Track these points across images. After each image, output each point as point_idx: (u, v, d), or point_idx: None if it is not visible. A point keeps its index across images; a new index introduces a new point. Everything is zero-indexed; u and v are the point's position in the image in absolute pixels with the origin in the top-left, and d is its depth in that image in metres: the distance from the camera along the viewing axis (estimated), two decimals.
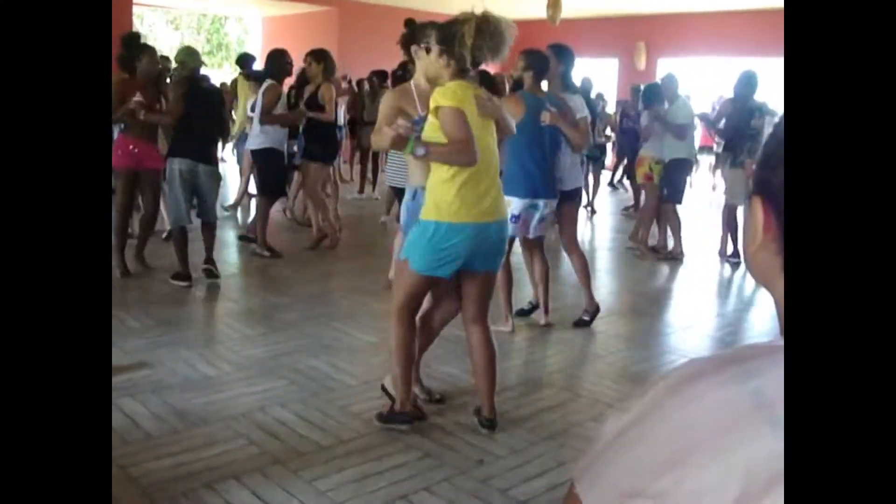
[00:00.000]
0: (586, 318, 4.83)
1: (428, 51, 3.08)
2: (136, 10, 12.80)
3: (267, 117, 6.32)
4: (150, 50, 5.78)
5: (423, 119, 3.16)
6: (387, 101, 3.47)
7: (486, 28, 2.91)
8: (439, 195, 2.97)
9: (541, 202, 4.44)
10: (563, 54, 4.68)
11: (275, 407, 3.41)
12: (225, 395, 3.54)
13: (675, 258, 6.99)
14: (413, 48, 3.40)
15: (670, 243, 7.10)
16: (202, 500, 2.65)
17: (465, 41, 2.91)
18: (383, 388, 3.51)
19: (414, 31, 3.53)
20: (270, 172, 6.57)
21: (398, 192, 5.18)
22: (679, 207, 7.03)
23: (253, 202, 8.14)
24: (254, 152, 6.68)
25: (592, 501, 0.64)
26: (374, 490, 2.74)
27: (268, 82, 6.31)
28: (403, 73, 5.48)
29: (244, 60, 9.09)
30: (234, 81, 9.05)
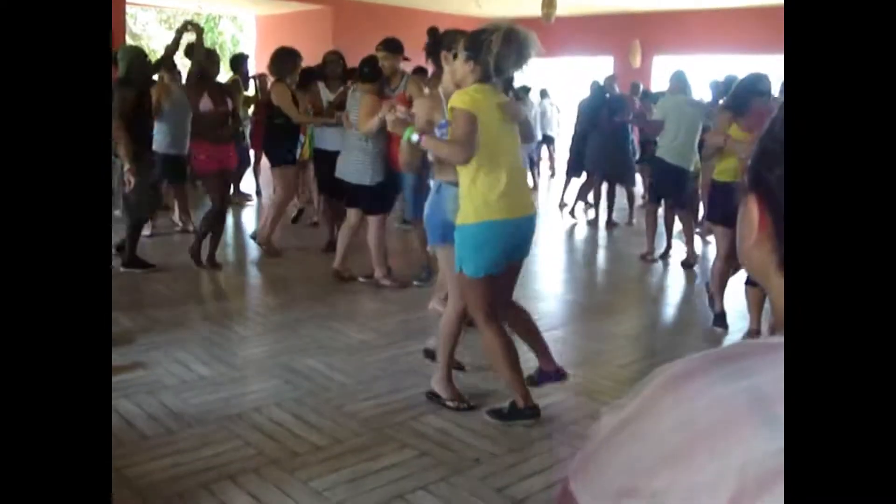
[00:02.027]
0: None
1: (455, 56, 3.17)
2: (128, 9, 12.77)
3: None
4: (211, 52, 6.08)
5: (448, 124, 3.25)
6: (419, 113, 3.52)
7: (514, 38, 3.01)
8: (479, 198, 3.07)
9: None
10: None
11: (270, 407, 3.40)
12: (220, 395, 3.53)
13: (648, 260, 6.73)
14: (443, 54, 3.52)
15: (657, 247, 6.84)
16: (198, 501, 2.64)
17: (492, 48, 2.99)
18: (430, 395, 3.51)
19: (439, 38, 3.66)
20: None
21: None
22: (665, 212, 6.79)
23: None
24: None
25: (587, 500, 0.63)
26: (371, 489, 2.73)
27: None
28: (371, 71, 5.23)
29: (237, 62, 8.91)
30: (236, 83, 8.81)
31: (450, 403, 3.42)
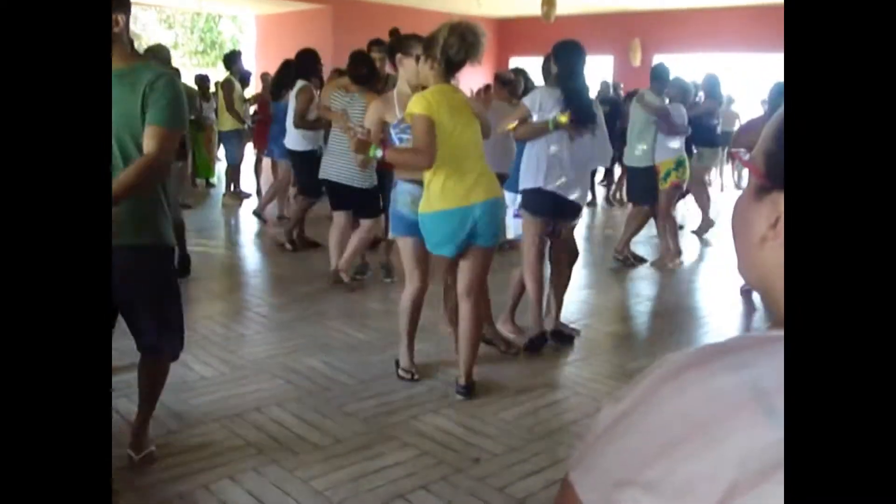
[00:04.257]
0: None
1: (417, 59, 3.43)
2: None
3: (302, 122, 6.05)
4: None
5: (400, 122, 3.57)
6: (371, 116, 3.84)
7: (458, 29, 3.25)
8: (431, 190, 3.34)
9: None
10: (555, 53, 4.53)
11: (271, 407, 3.40)
12: (221, 395, 3.53)
13: (659, 266, 6.59)
14: (397, 56, 3.80)
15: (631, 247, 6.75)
16: (198, 502, 2.64)
17: (439, 40, 3.26)
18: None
19: (398, 41, 3.91)
20: (312, 174, 6.06)
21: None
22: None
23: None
24: (293, 153, 6.51)
25: (585, 490, 0.64)
26: (371, 489, 2.73)
27: (300, 83, 6.04)
28: (370, 73, 5.19)
29: (231, 59, 8.70)
30: (228, 81, 8.69)
31: (401, 373, 3.76)
